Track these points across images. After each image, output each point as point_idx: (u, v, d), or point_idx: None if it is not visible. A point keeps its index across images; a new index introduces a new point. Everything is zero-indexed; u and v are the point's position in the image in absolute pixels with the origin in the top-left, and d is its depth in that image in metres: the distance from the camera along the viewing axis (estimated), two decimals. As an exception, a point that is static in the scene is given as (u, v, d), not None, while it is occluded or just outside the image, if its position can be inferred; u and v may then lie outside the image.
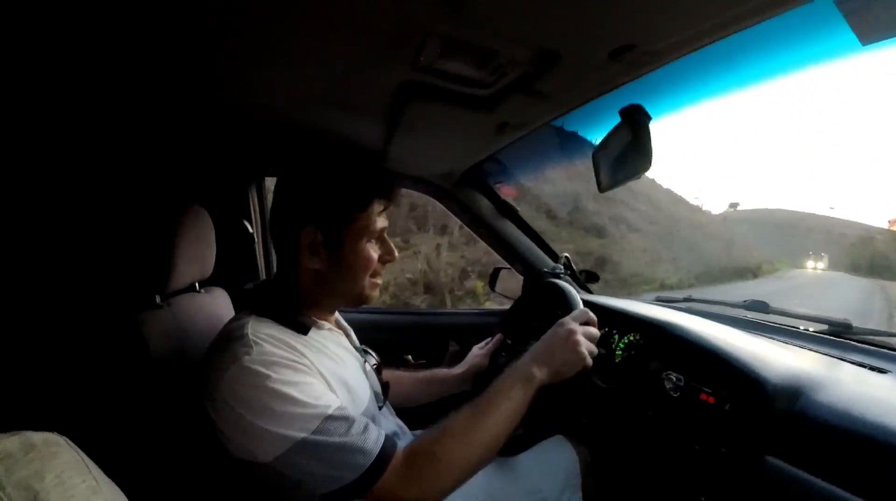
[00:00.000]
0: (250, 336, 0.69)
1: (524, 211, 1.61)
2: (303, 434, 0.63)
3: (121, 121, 1.06)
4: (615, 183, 0.89)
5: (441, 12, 0.57)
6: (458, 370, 1.22)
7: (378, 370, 0.98)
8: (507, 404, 0.75)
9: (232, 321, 0.78)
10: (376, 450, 0.66)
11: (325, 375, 0.73)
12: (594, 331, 0.85)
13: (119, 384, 0.81)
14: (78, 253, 1.11)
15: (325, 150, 0.85)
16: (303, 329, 0.77)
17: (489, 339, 1.31)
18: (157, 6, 0.58)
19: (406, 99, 0.88)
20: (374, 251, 0.81)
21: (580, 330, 0.82)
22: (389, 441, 0.69)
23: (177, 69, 0.79)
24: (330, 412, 0.65)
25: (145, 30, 0.64)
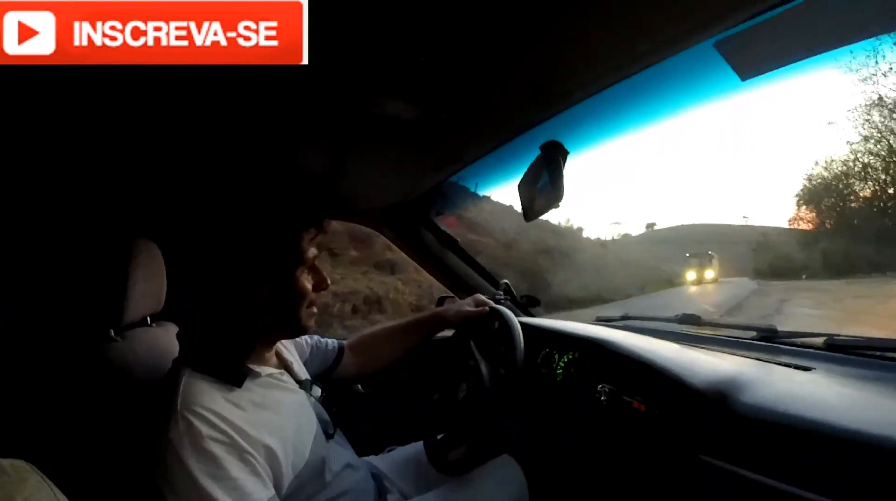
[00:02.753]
0: (179, 410, 0.67)
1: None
2: None
3: (71, 155, 1.03)
4: (537, 213, 0.97)
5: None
6: (447, 313, 1.20)
7: (324, 402, 0.96)
8: None
9: (168, 374, 0.76)
10: None
11: (262, 437, 0.72)
12: None
13: (80, 413, 0.78)
14: (31, 285, 1.06)
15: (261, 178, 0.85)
16: (238, 381, 0.75)
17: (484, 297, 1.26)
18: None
19: (347, 135, 0.93)
20: (307, 281, 0.81)
21: None
22: None
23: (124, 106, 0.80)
24: None
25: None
